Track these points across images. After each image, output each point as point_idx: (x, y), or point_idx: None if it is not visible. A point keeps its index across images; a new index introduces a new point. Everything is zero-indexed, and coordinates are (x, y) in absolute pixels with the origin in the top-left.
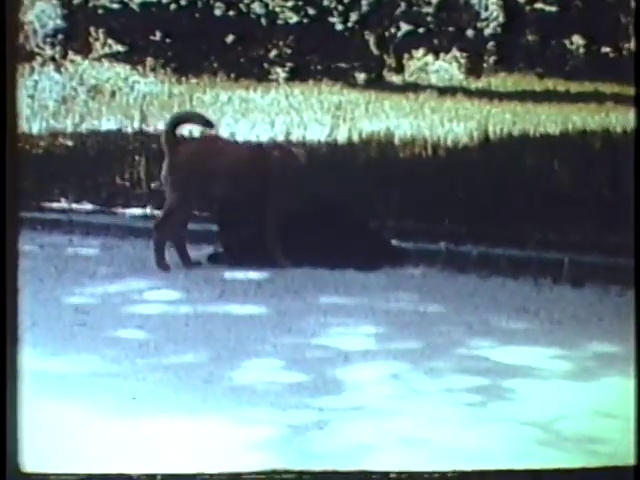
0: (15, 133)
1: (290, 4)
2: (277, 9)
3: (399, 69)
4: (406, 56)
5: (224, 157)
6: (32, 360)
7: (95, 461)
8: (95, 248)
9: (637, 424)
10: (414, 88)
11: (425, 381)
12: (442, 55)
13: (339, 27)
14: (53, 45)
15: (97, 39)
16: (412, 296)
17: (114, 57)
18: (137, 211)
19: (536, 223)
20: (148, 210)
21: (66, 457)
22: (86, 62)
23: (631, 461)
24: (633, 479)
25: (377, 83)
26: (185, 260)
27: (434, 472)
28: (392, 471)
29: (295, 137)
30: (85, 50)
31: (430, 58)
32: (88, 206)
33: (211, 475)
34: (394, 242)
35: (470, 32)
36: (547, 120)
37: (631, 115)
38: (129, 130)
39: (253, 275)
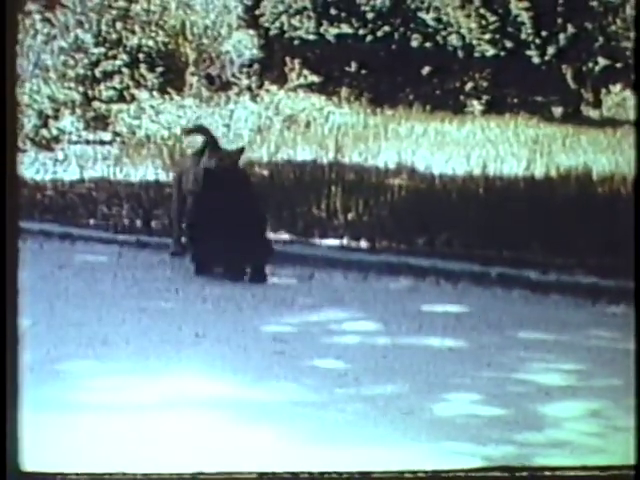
0: (15, 140)
1: (487, 37)
2: (474, 42)
3: (597, 103)
4: (604, 91)
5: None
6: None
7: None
8: (292, 278)
9: (637, 424)
10: (612, 123)
11: (626, 418)
12: None
13: (536, 60)
14: (249, 75)
15: (293, 69)
16: (613, 333)
17: (309, 87)
18: (334, 242)
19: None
20: (345, 241)
21: (66, 457)
22: (282, 92)
23: (631, 461)
24: (633, 479)
25: (574, 117)
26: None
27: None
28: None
29: (491, 171)
30: (281, 80)
31: (628, 93)
32: (285, 236)
33: (211, 475)
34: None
35: None
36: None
37: None
38: (324, 161)
39: (451, 308)
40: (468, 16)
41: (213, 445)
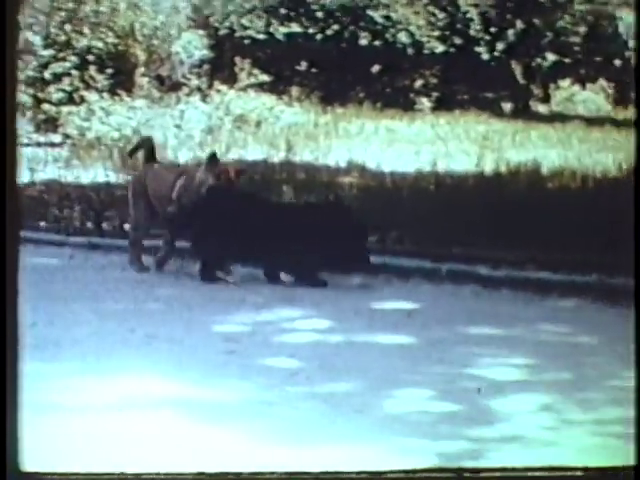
0: (15, 149)
1: (436, 34)
2: (423, 39)
3: (546, 99)
4: (552, 86)
5: (157, 180)
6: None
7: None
8: (243, 277)
9: (637, 424)
10: (561, 118)
11: (577, 412)
12: (589, 85)
13: (485, 57)
14: (199, 75)
15: (243, 69)
16: (562, 327)
17: (260, 87)
18: None
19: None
20: None
21: (66, 457)
22: (232, 92)
23: (631, 461)
24: (633, 479)
25: (524, 113)
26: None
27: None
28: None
29: (442, 167)
30: (231, 80)
31: (577, 88)
32: None
33: (211, 475)
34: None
35: (618, 62)
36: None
37: None
38: (275, 160)
39: (402, 305)
40: (417, 13)
41: (165, 444)
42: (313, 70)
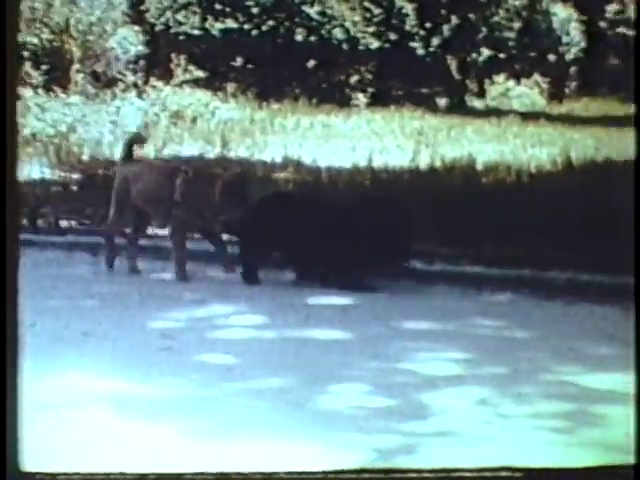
0: (15, 151)
1: (371, 29)
2: (358, 34)
3: (481, 94)
4: (488, 81)
5: (143, 177)
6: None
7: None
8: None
9: (637, 424)
10: (496, 113)
11: (512, 406)
12: (524, 80)
13: (421, 52)
14: (135, 71)
15: (178, 65)
16: (497, 322)
17: (195, 83)
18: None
19: (624, 248)
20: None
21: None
22: (168, 88)
23: (631, 461)
24: (633, 479)
25: (459, 108)
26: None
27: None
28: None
29: (377, 163)
30: (167, 76)
31: (512, 83)
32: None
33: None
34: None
35: (552, 57)
36: (631, 145)
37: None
38: (211, 155)
39: (337, 300)
40: (352, 9)
41: (102, 441)
42: (249, 66)
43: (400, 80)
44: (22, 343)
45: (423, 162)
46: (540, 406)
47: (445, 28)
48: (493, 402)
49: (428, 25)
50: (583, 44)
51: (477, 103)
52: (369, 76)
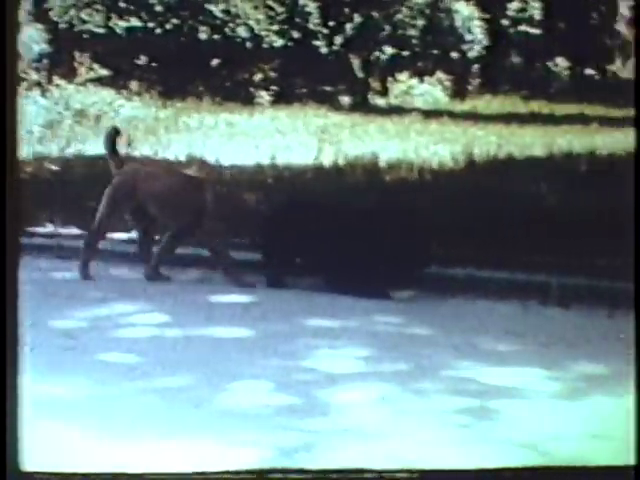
0: (15, 153)
1: (275, 28)
2: (262, 33)
3: (384, 92)
4: (391, 79)
5: (160, 182)
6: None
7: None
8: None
9: (637, 424)
10: (399, 111)
11: (413, 403)
12: (427, 78)
13: (324, 50)
14: (38, 70)
15: (82, 64)
16: (399, 319)
17: (99, 81)
18: (122, 235)
19: (523, 245)
20: (134, 234)
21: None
22: (71, 86)
23: (631, 461)
24: (633, 479)
25: (362, 106)
26: (84, 274)
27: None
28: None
29: (281, 161)
30: (70, 75)
31: (415, 81)
32: (75, 230)
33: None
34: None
35: (454, 55)
36: (532, 142)
37: (618, 136)
38: None
39: (240, 298)
40: (256, 7)
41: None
42: (153, 64)
43: (304, 78)
44: (22, 343)
45: (326, 160)
46: (440, 402)
47: (348, 27)
48: (394, 398)
49: (331, 24)
50: (485, 42)
51: (380, 101)
52: (273, 74)
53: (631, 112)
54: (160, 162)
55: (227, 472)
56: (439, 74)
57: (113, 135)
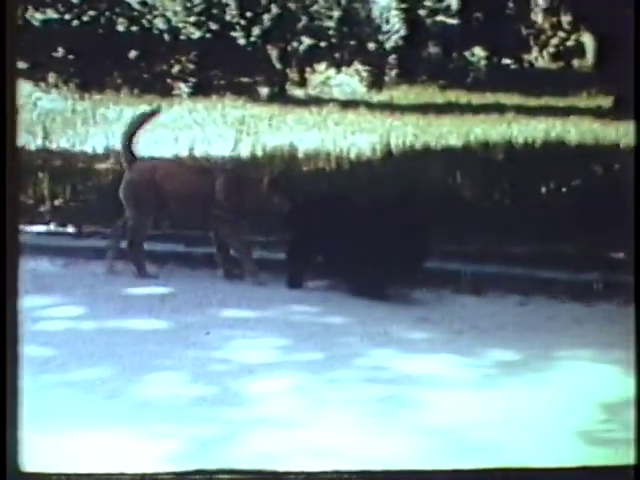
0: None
1: (193, 19)
2: (180, 24)
3: (302, 83)
4: (308, 70)
5: (177, 177)
6: None
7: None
8: None
9: (637, 424)
10: (317, 102)
11: (328, 392)
12: (344, 68)
13: (242, 42)
14: None
15: None
16: (314, 308)
17: (17, 74)
18: (41, 228)
19: (437, 234)
20: (52, 227)
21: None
22: None
23: (631, 461)
24: (633, 479)
25: (280, 97)
26: (141, 272)
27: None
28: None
29: (199, 152)
30: None
31: (332, 72)
32: None
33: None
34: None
35: (372, 45)
36: (449, 132)
37: (534, 125)
38: (32, 147)
39: (156, 290)
40: None
41: None
42: (70, 57)
43: (222, 70)
44: (22, 343)
45: (245, 151)
46: (355, 391)
47: (265, 18)
48: (309, 388)
49: (249, 15)
50: (402, 32)
51: (298, 92)
52: (191, 66)
53: (550, 101)
54: (170, 159)
55: (227, 472)
56: (356, 65)
57: (131, 131)
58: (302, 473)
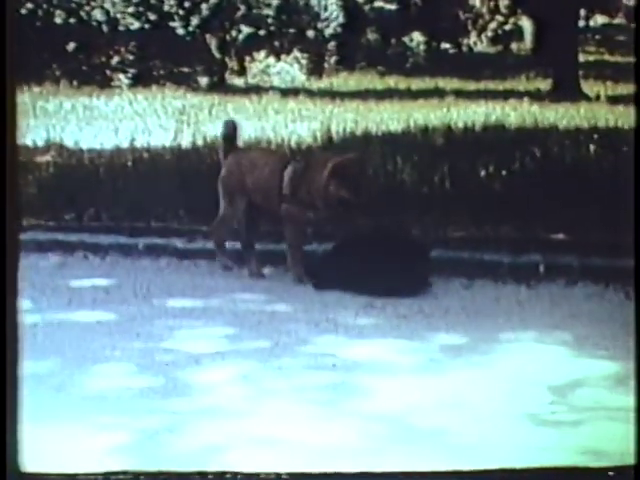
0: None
1: (131, 10)
2: (118, 15)
3: (241, 72)
4: (248, 58)
5: (257, 169)
6: None
7: None
8: None
9: (637, 424)
10: (257, 90)
11: (275, 380)
12: (283, 56)
13: (180, 32)
14: None
15: None
16: (259, 296)
17: None
18: None
19: (380, 220)
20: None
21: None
22: None
23: (631, 461)
24: (633, 479)
25: (220, 86)
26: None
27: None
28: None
29: (140, 143)
30: None
31: (272, 60)
32: None
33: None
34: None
35: (310, 33)
36: (389, 118)
37: (474, 108)
38: None
39: (100, 282)
40: None
41: None
42: None
43: (161, 60)
44: (22, 343)
45: (185, 141)
46: (302, 378)
47: (204, 7)
48: (256, 376)
49: (187, 4)
50: (341, 19)
51: (238, 81)
52: (130, 57)
53: (489, 85)
54: (260, 147)
55: (227, 472)
56: (296, 52)
57: (232, 127)
58: (273, 474)
